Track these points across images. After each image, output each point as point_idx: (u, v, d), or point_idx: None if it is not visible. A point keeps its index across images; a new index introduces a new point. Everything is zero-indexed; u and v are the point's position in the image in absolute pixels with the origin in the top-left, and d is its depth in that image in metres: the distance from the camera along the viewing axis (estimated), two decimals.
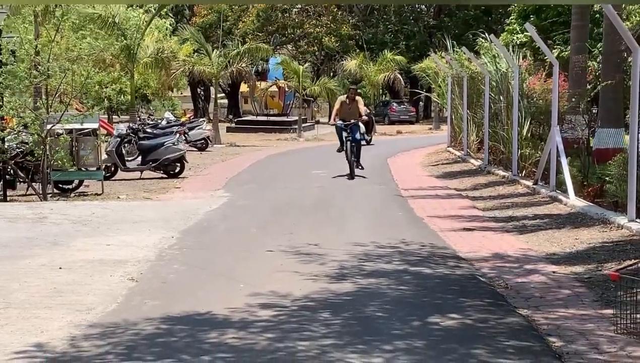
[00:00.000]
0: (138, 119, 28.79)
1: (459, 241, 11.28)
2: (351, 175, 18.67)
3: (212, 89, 41.12)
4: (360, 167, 19.21)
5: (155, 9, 30.84)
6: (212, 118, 36.26)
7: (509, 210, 14.06)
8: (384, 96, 50.58)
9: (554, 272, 9.21)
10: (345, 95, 20.35)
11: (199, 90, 54.13)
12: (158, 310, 7.62)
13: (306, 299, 8.01)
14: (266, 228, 12.59)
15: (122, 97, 32.83)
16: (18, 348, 6.50)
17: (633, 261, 6.09)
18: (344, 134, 19.08)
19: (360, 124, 20.30)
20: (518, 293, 8.32)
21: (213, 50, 34.81)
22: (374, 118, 34.21)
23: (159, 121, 29.88)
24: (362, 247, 10.80)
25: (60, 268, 9.54)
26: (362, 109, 19.91)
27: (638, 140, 11.47)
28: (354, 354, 6.30)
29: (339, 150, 19.59)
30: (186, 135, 27.17)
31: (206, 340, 6.73)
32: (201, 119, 35.91)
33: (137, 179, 20.25)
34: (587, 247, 10.57)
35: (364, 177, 18.43)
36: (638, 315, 5.07)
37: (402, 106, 50.82)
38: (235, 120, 45.98)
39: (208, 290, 8.48)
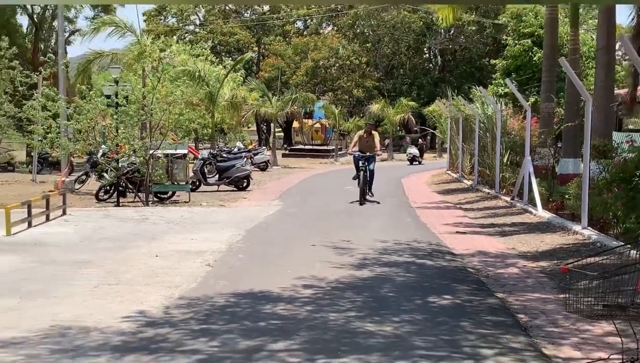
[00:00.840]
0: (217, 146, 28.86)
1: (453, 241, 11.08)
2: (361, 201, 16.00)
3: (272, 125, 41.24)
4: (370, 194, 16.53)
5: (229, 66, 30.89)
6: (271, 146, 36.28)
7: (492, 219, 13.84)
8: (400, 132, 50.25)
9: (524, 266, 9.07)
10: (364, 130, 17.71)
11: (262, 125, 54.30)
12: (227, 288, 7.66)
13: (337, 282, 7.98)
14: (309, 228, 12.45)
15: (205, 130, 32.99)
16: (125, 314, 6.60)
17: (581, 258, 6.05)
18: (360, 163, 16.44)
19: (376, 156, 17.18)
20: (496, 281, 8.21)
21: (273, 97, 34.91)
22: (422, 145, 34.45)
23: (232, 148, 29.99)
24: (382, 243, 10.66)
25: (156, 256, 9.59)
26: (377, 143, 17.09)
27: (589, 168, 11.43)
28: (371, 323, 6.31)
29: (354, 178, 16.85)
30: (252, 159, 27.18)
31: (262, 310, 6.77)
32: (263, 147, 36.01)
33: (215, 191, 20.26)
34: (550, 247, 10.39)
35: (377, 202, 16.11)
36: (582, 299, 5.04)
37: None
38: (289, 148, 45.97)
39: (264, 274, 8.45)
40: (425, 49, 54.80)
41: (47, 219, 12.88)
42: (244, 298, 7.22)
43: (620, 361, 5.04)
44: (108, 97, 17.12)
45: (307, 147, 43.46)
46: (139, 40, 19.59)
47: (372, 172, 16.50)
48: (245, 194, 19.52)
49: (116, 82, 18.86)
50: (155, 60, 18.00)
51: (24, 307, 6.87)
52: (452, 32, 49.79)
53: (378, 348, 5.57)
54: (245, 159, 22.44)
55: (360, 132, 17.69)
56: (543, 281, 8.26)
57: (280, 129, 54.91)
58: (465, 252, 10.14)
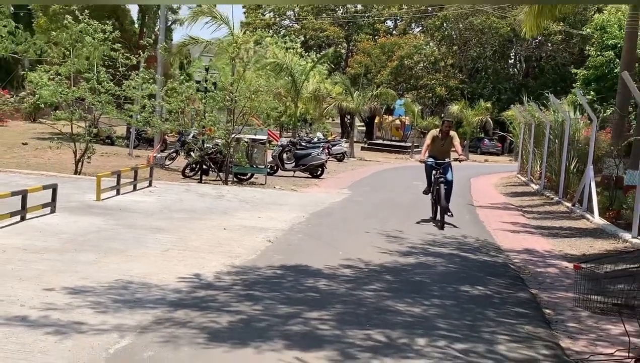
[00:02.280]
0: (297, 135, 29.46)
1: (504, 239, 11.16)
2: (440, 223, 11.73)
3: (354, 118, 41.59)
4: (449, 214, 11.95)
5: (315, 59, 31.29)
6: (349, 139, 36.64)
7: (548, 222, 13.75)
8: (479, 134, 49.62)
9: (565, 267, 9.04)
10: (438, 129, 12.86)
11: (346, 118, 54.75)
12: (279, 262, 8.06)
13: (380, 266, 8.26)
14: (369, 216, 12.69)
15: (288, 119, 33.68)
16: (185, 275, 7.10)
17: (600, 257, 6.12)
18: (434, 174, 12.25)
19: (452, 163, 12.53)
20: (535, 278, 8.29)
21: (355, 92, 35.21)
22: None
23: (312, 138, 30.53)
24: (432, 236, 10.86)
25: (224, 229, 10.06)
26: (458, 146, 12.52)
27: None
28: (401, 304, 6.57)
29: (425, 192, 12.74)
30: (329, 149, 27.60)
31: (304, 283, 7.15)
32: (342, 139, 36.48)
33: (290, 176, 20.76)
34: (596, 252, 10.40)
35: (454, 226, 11.87)
36: (592, 296, 5.18)
37: (491, 142, 49.80)
38: (368, 142, 46.23)
39: (316, 253, 8.80)
40: (511, 54, 53.86)
41: (134, 189, 13.69)
42: (292, 272, 7.63)
43: (627, 356, 5.16)
44: (198, 82, 17.83)
45: (385, 142, 43.60)
46: (231, 32, 20.24)
47: (450, 184, 12.20)
48: (317, 181, 19.95)
49: (206, 69, 19.60)
50: (247, 51, 18.57)
51: (101, 262, 7.49)
52: (539, 39, 48.72)
53: (402, 326, 5.86)
54: (322, 149, 22.86)
55: (434, 132, 12.73)
56: (593, 285, 8.27)
57: (362, 124, 55.23)
58: (511, 250, 10.22)
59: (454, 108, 40.84)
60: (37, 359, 4.55)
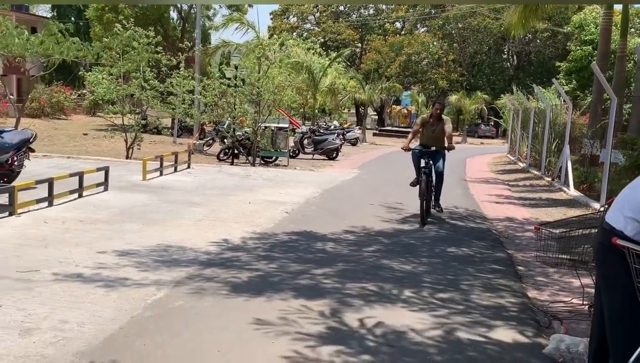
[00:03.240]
0: (316, 124, 29.52)
1: (489, 208, 11.22)
2: (423, 221, 9.01)
3: (367, 108, 41.54)
4: (438, 209, 9.58)
5: (331, 58, 31.21)
6: (362, 126, 36.63)
7: (530, 194, 13.73)
8: (477, 120, 49.14)
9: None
10: (428, 114, 10.05)
11: (360, 109, 54.58)
12: (294, 229, 8.23)
13: (379, 232, 8.37)
14: (374, 192, 12.75)
15: (310, 110, 33.69)
16: (214, 240, 7.31)
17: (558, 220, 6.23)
18: (422, 163, 9.45)
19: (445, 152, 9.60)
20: (512, 241, 8.36)
21: (366, 85, 35.13)
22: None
23: (329, 126, 30.57)
24: None
25: (249, 203, 10.23)
26: (449, 132, 9.56)
27: (610, 157, 11.26)
28: (395, 263, 6.71)
29: (413, 184, 9.62)
30: (344, 135, 27.67)
31: (314, 246, 7.32)
32: (355, 126, 36.46)
33: (310, 159, 20.91)
34: (569, 219, 10.42)
35: (444, 221, 9.93)
36: (550, 252, 5.30)
37: (487, 127, 49.39)
38: (379, 129, 46.09)
39: (326, 222, 8.90)
40: (505, 50, 53.21)
41: (175, 170, 13.95)
42: (304, 237, 7.81)
43: (582, 304, 5.28)
44: (229, 79, 17.99)
45: (394, 128, 43.38)
46: (257, 35, 20.35)
47: (440, 176, 9.49)
48: (332, 163, 20.07)
49: (236, 67, 19.78)
50: (272, 52, 18.65)
51: (144, 231, 7.73)
52: (528, 37, 48.03)
53: (394, 280, 6.02)
54: (337, 135, 22.94)
55: (424, 116, 10.00)
56: (551, 244, 8.35)
57: (375, 113, 55.08)
58: (495, 218, 10.28)
59: (453, 98, 40.60)
60: (87, 308, 4.79)
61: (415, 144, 9.79)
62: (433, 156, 9.44)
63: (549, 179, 15.82)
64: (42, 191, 8.91)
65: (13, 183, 8.74)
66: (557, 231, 5.27)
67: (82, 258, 6.15)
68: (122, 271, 5.80)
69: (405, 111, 42.46)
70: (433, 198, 9.54)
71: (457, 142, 36.79)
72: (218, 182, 12.81)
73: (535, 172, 18.01)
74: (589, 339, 3.82)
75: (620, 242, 3.19)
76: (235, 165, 17.31)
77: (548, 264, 5.36)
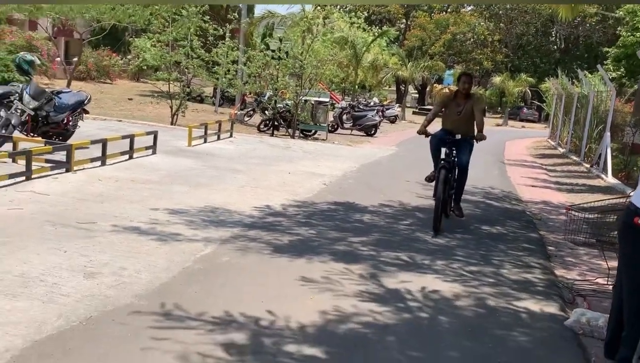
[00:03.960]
0: (356, 99, 29.64)
1: (525, 191, 11.35)
2: (436, 228, 7.03)
3: (408, 86, 41.39)
4: (458, 213, 7.86)
5: (375, 34, 31.10)
6: (402, 104, 36.60)
7: (567, 179, 13.81)
8: (520, 103, 48.48)
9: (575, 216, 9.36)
10: (453, 92, 8.13)
11: (401, 86, 54.35)
12: (332, 199, 8.56)
13: (415, 208, 8.64)
14: (411, 168, 12.75)
15: (351, 85, 33.80)
16: (256, 205, 7.71)
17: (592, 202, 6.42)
18: (443, 153, 7.60)
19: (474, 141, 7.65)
20: (545, 223, 8.51)
21: (409, 62, 35.02)
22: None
23: (370, 102, 30.68)
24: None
25: (289, 173, 10.59)
26: (481, 117, 7.70)
27: None
28: (428, 236, 7.00)
29: (429, 179, 7.78)
30: (383, 112, 27.82)
31: (352, 217, 7.66)
32: (395, 104, 36.44)
33: (348, 134, 21.16)
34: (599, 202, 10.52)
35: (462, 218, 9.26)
36: (579, 232, 5.54)
37: (529, 110, 48.71)
38: (419, 107, 45.96)
39: (363, 195, 9.19)
40: (553, 32, 52.14)
41: (218, 138, 14.41)
42: (342, 207, 8.16)
43: (606, 283, 5.52)
44: (273, 51, 18.31)
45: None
46: (303, 8, 20.57)
47: (464, 173, 7.65)
48: (371, 139, 20.30)
49: (280, 40, 20.07)
50: (316, 25, 18.85)
51: (191, 192, 8.19)
52: (577, 20, 46.90)
53: (426, 251, 6.33)
54: (376, 112, 23.10)
55: (447, 93, 7.77)
56: (584, 227, 8.52)
57: (416, 91, 54.77)
58: (530, 200, 10.43)
59: (497, 79, 40.15)
60: (143, 258, 5.24)
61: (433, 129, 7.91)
62: (457, 146, 7.35)
63: (588, 165, 15.80)
64: (95, 151, 9.44)
65: (70, 142, 9.29)
66: (587, 213, 5.49)
67: (136, 214, 6.63)
68: (173, 227, 6.26)
69: (447, 90, 42.15)
70: (453, 199, 7.63)
71: (498, 125, 36.80)
72: (259, 152, 13.22)
73: (575, 158, 17.95)
74: (609, 315, 4.09)
75: None
76: (275, 136, 17.71)
77: (576, 244, 5.60)
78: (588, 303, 5.00)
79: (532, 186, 12.28)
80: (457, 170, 7.55)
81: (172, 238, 5.88)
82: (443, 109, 7.90)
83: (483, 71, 50.26)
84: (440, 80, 46.53)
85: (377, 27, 34.08)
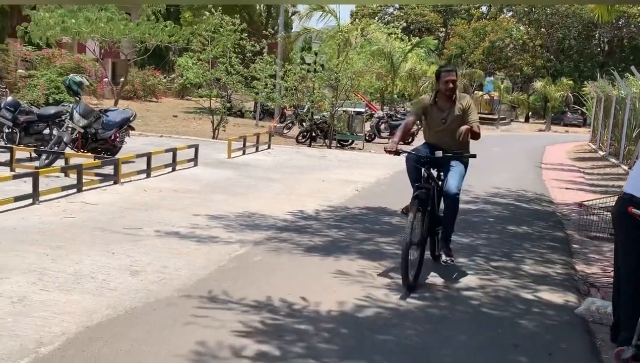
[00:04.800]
0: (394, 109, 29.92)
1: (558, 194, 11.43)
2: (406, 282, 4.88)
3: None
4: (447, 259, 5.41)
5: (414, 43, 31.37)
6: None
7: (603, 181, 13.76)
8: (564, 107, 47.78)
9: (607, 215, 9.41)
10: (432, 93, 5.74)
11: None
12: (363, 204, 8.91)
13: None
14: None
15: (390, 95, 34.09)
16: (290, 211, 8.12)
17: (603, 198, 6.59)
18: (423, 173, 5.31)
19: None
20: (574, 223, 8.49)
21: None
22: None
23: (407, 111, 30.81)
24: (496, 189, 11.24)
25: (322, 181, 10.97)
26: (475, 121, 5.47)
27: None
28: (456, 236, 7.17)
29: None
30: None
31: (381, 220, 7.99)
32: None
33: (384, 143, 21.41)
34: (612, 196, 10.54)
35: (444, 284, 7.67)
36: (593, 227, 5.75)
37: (573, 115, 47.91)
38: None
39: (394, 200, 9.12)
40: (595, 35, 51.28)
41: (256, 150, 14.95)
42: (372, 212, 8.50)
43: None
44: (309, 64, 18.80)
45: None
46: (338, 22, 21.10)
47: (452, 202, 5.44)
48: (408, 148, 20.41)
49: (315, 53, 20.58)
50: (355, 37, 19.27)
51: (229, 200, 8.68)
52: (621, 22, 46.08)
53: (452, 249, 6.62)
54: None
55: (425, 97, 5.98)
56: (594, 222, 8.50)
57: None
58: (562, 202, 10.53)
59: (538, 84, 39.78)
60: (183, 257, 5.71)
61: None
62: (443, 166, 5.46)
63: (626, 167, 15.68)
64: (141, 164, 10.05)
65: (117, 157, 9.94)
66: (599, 209, 5.71)
67: (178, 220, 7.14)
68: (212, 231, 6.73)
69: (487, 97, 42.03)
70: (438, 238, 5.64)
71: (541, 130, 36.34)
72: (295, 162, 13.68)
73: (614, 160, 17.80)
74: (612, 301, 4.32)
75: (635, 210, 3.69)
76: (313, 147, 18.16)
77: (588, 237, 5.81)
78: (602, 294, 5.21)
79: (567, 188, 12.33)
80: (444, 198, 5.41)
81: (210, 240, 6.35)
82: (422, 118, 5.79)
83: (525, 77, 49.78)
84: (481, 87, 46.26)
85: (415, 37, 34.34)
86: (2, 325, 3.94)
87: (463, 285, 5.34)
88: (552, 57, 49.65)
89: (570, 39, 49.17)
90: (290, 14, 38.55)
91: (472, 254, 6.46)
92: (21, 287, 4.65)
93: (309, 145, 18.41)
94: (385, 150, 5.57)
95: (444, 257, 5.53)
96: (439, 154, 5.44)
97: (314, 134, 18.97)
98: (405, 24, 48.90)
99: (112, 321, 4.14)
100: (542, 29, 50.47)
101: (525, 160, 17.65)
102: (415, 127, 6.50)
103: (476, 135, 5.49)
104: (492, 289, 5.26)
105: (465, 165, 5.61)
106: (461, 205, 8.77)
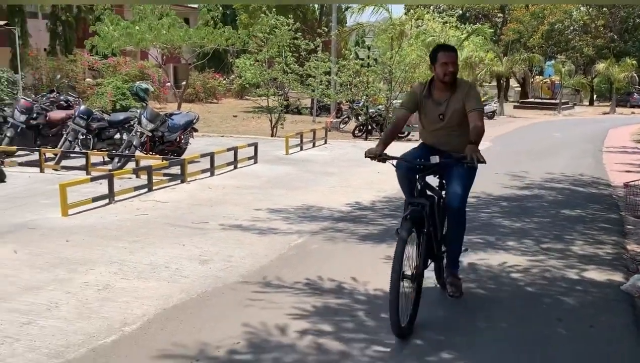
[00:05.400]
0: None
1: (617, 177, 11.26)
2: (398, 326, 3.79)
3: (509, 81, 40.85)
4: (452, 290, 4.49)
5: (469, 30, 31.00)
6: (499, 99, 36.12)
7: None
8: (630, 88, 46.09)
9: None
10: (426, 81, 4.44)
11: (501, 81, 53.32)
12: None
13: (498, 197, 9.04)
14: (501, 162, 12.89)
15: None
16: (346, 202, 8.50)
17: None
18: (418, 185, 4.22)
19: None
20: (629, 205, 8.45)
21: (504, 57, 34.58)
22: None
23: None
24: (551, 175, 11.26)
25: (378, 173, 10.73)
26: (476, 114, 4.19)
27: None
28: (507, 221, 7.47)
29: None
30: None
31: None
32: (493, 99, 36.00)
33: None
34: None
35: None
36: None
37: None
38: (520, 101, 44.92)
39: None
40: None
41: (313, 146, 15.39)
42: None
43: None
44: (362, 59, 19.09)
45: (536, 100, 42.20)
46: (390, 16, 21.27)
47: (456, 214, 4.40)
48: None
49: (369, 48, 20.87)
50: (410, 27, 19.34)
51: (288, 195, 9.12)
52: None
53: (501, 233, 6.84)
54: None
55: (416, 86, 4.65)
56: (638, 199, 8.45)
57: (518, 85, 53.55)
58: (620, 185, 10.41)
59: (600, 66, 38.58)
60: (246, 247, 6.19)
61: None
62: (442, 170, 4.41)
63: None
64: (205, 163, 10.64)
65: (183, 157, 10.58)
66: None
67: (241, 214, 7.64)
68: (272, 223, 7.20)
69: (548, 81, 41.09)
70: (444, 261, 4.62)
71: (605, 113, 35.34)
72: (351, 156, 14.01)
73: None
74: None
75: None
76: (369, 140, 18.45)
77: (635, 217, 5.92)
78: None
79: (627, 171, 12.14)
80: (447, 212, 4.42)
81: (271, 232, 6.81)
82: (416, 112, 4.57)
83: (586, 59, 48.29)
84: (541, 72, 45.26)
85: (471, 25, 33.94)
86: (91, 309, 4.49)
87: (511, 265, 5.58)
88: (615, 37, 47.95)
89: (634, 17, 47.31)
90: (343, 9, 38.84)
91: (523, 237, 6.66)
92: (104, 276, 5.22)
93: (365, 139, 18.71)
94: (366, 156, 4.29)
95: (449, 288, 4.49)
96: (436, 159, 4.18)
97: (369, 128, 19.26)
98: (460, 12, 48.40)
99: (186, 304, 4.63)
100: (604, 9, 48.79)
101: (585, 144, 17.37)
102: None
103: (477, 131, 4.16)
104: (540, 269, 5.47)
105: (471, 170, 4.32)
106: (515, 191, 9.19)
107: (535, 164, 12.95)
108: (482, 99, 21.17)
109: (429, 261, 4.37)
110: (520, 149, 16.22)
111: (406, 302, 3.99)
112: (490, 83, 51.49)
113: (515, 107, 40.52)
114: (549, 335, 4.08)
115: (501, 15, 57.82)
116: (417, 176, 4.26)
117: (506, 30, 53.43)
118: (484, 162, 4.05)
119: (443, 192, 4.43)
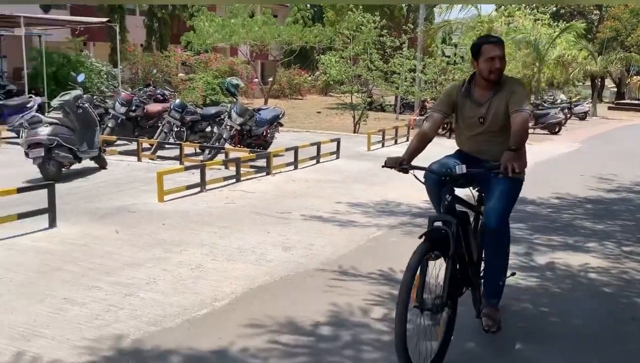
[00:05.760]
0: (540, 97, 28.88)
1: None
2: None
3: (604, 80, 39.12)
4: (489, 324, 3.67)
5: (562, 27, 30.00)
6: (592, 99, 34.68)
7: None
8: None
9: None
10: (466, 79, 3.90)
11: (596, 81, 51.12)
12: None
13: (583, 198, 8.93)
14: (589, 164, 12.80)
15: (536, 84, 32.92)
16: (425, 198, 8.68)
17: None
18: (448, 198, 3.60)
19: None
20: None
21: (598, 56, 33.18)
22: None
23: (557, 99, 29.66)
24: None
25: None
26: (520, 116, 3.54)
27: None
28: (589, 223, 7.39)
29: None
30: (570, 109, 26.89)
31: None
32: (585, 100, 34.62)
33: (530, 133, 20.91)
34: None
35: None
36: None
37: None
38: (615, 102, 42.90)
39: (532, 188, 8.90)
40: None
41: (395, 143, 15.56)
42: None
43: None
44: (448, 57, 19.02)
45: (632, 102, 40.17)
46: (479, 13, 21.06)
47: (497, 233, 3.74)
48: (553, 137, 19.98)
49: (455, 45, 20.72)
50: (500, 24, 19.06)
51: (368, 190, 9.38)
52: None
53: (583, 234, 6.81)
54: (560, 109, 22.58)
55: (455, 85, 4.04)
56: None
57: (614, 85, 51.16)
58: None
59: None
60: (327, 237, 6.51)
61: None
62: (482, 184, 3.95)
63: None
64: (289, 157, 11.08)
65: (269, 150, 11.07)
66: None
67: (322, 206, 7.98)
68: (351, 216, 7.49)
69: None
70: (481, 289, 3.91)
71: None
72: (433, 153, 13.74)
73: None
74: None
75: None
76: (452, 138, 18.33)
77: None
78: None
79: None
80: (482, 233, 3.91)
81: (350, 224, 7.10)
82: (453, 115, 4.07)
83: None
84: (637, 72, 42.99)
85: (565, 22, 32.75)
86: (185, 285, 4.94)
87: (589, 266, 5.59)
88: None
89: None
90: (431, 6, 38.52)
91: (604, 240, 6.60)
92: (197, 257, 5.69)
93: (448, 137, 18.56)
94: (384, 166, 3.77)
95: (484, 321, 3.74)
96: (462, 169, 3.57)
97: (453, 126, 19.14)
98: (554, 8, 46.70)
99: (270, 285, 5.00)
100: None
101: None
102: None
103: (519, 137, 3.57)
104: (618, 271, 5.46)
105: (517, 182, 3.80)
106: (602, 194, 9.11)
107: (625, 167, 12.54)
108: (574, 99, 20.66)
109: (464, 288, 3.76)
110: (609, 151, 15.70)
111: (425, 339, 3.38)
112: (584, 83, 49.53)
113: (609, 108, 38.72)
114: (623, 335, 4.14)
115: (597, 12, 55.38)
116: (442, 189, 3.64)
117: (602, 27, 51.14)
118: (520, 173, 3.45)
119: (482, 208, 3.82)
